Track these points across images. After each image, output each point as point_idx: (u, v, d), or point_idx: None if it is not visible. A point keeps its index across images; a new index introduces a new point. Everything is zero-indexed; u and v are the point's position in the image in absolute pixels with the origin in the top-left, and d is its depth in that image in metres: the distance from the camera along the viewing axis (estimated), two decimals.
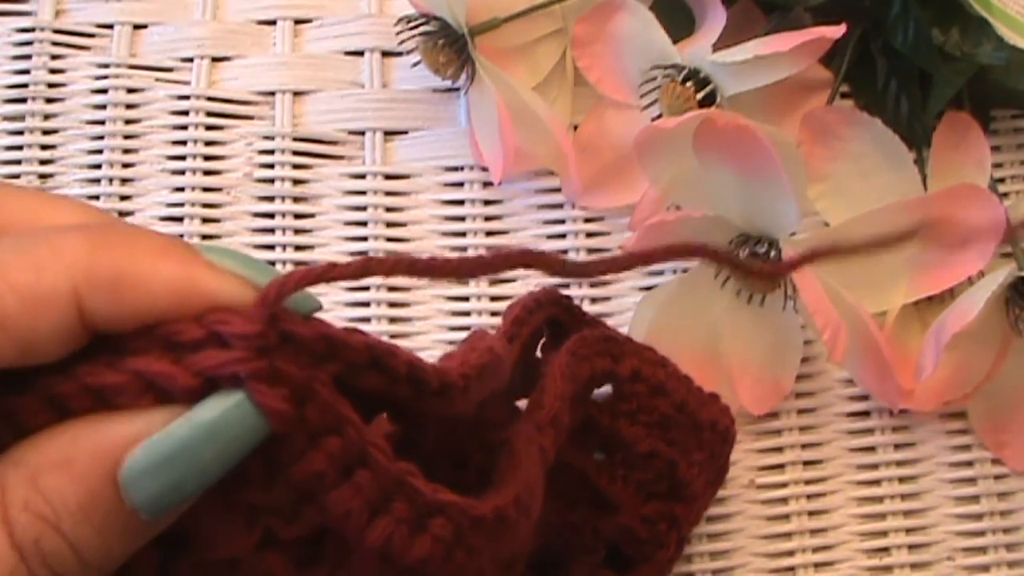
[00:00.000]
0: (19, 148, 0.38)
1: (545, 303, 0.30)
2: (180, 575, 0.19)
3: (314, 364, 0.18)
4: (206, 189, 0.38)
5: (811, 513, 0.36)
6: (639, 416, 0.30)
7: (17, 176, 0.38)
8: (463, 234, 0.38)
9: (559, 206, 0.39)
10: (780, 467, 0.36)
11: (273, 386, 0.17)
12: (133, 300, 0.17)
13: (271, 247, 0.37)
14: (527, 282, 0.38)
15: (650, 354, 0.31)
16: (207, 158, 0.38)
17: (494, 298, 0.37)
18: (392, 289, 0.37)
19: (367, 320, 0.37)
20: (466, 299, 0.37)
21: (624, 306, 0.37)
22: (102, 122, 0.38)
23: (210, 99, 0.39)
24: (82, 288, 0.17)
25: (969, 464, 0.37)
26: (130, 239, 0.18)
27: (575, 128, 0.39)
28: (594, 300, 0.37)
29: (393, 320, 0.37)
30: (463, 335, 0.37)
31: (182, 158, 0.38)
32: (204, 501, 0.18)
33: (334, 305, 0.37)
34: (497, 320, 0.37)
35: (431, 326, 0.37)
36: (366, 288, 0.37)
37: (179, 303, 0.18)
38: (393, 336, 0.37)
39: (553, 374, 0.27)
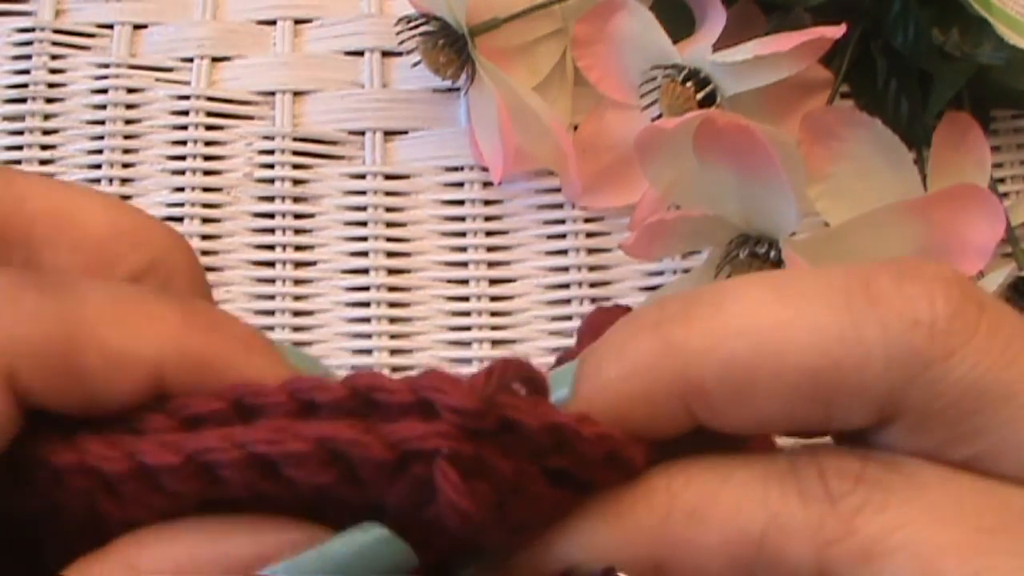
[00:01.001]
0: (19, 148, 0.38)
1: None
2: None
3: (533, 459, 0.16)
4: (206, 189, 0.38)
5: None
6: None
7: None
8: (463, 234, 0.38)
9: (559, 206, 0.39)
10: None
11: (470, 478, 0.15)
12: (215, 387, 0.17)
13: (271, 247, 0.37)
14: (527, 282, 0.38)
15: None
16: (207, 158, 0.38)
17: (494, 298, 0.37)
18: (392, 289, 0.37)
19: (367, 320, 0.37)
20: (466, 299, 0.37)
21: None
22: (102, 122, 0.38)
23: (210, 99, 0.39)
24: (169, 364, 0.17)
25: None
26: (222, 325, 0.17)
27: (575, 128, 0.39)
28: (594, 300, 0.37)
29: (393, 320, 0.37)
30: (463, 335, 0.37)
31: (182, 158, 0.38)
32: None
33: (334, 306, 0.37)
34: (497, 320, 0.37)
35: (431, 326, 0.37)
36: (366, 288, 0.37)
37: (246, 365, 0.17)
38: (393, 336, 0.37)
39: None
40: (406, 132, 0.39)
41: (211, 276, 0.37)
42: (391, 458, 0.15)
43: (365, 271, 0.37)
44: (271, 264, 0.37)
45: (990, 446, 0.16)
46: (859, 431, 0.17)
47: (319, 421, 0.16)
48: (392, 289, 0.37)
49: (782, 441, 0.19)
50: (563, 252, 0.38)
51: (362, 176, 0.38)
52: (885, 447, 0.17)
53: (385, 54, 0.40)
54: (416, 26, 0.37)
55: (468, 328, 0.37)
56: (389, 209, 0.38)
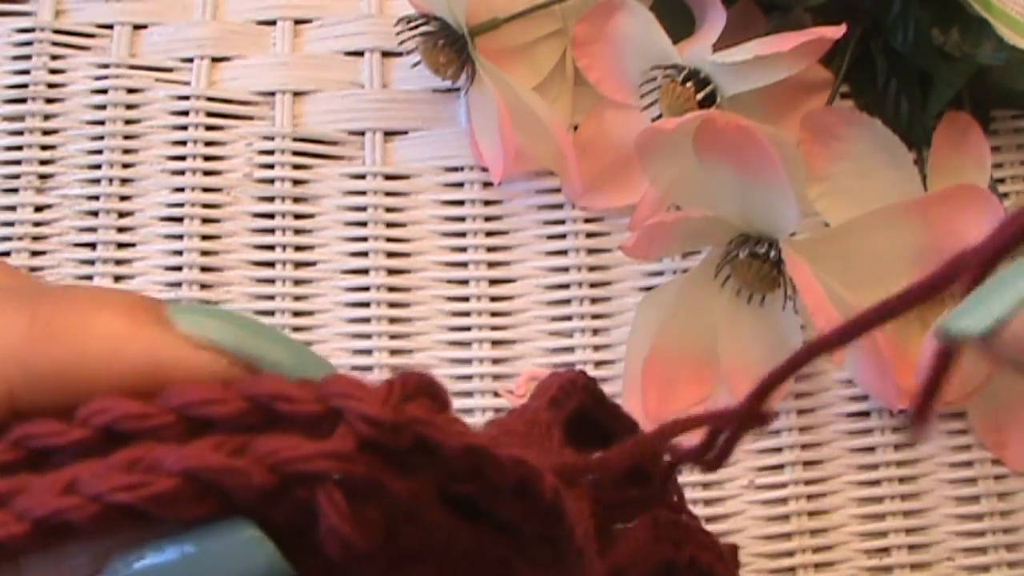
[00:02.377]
0: (19, 148, 0.38)
1: (579, 388, 0.27)
2: None
3: (438, 483, 0.15)
4: (206, 189, 0.38)
5: (811, 513, 0.36)
6: None
7: (17, 176, 0.38)
8: (463, 234, 0.38)
9: (559, 206, 0.39)
10: (780, 467, 0.36)
11: (359, 502, 0.14)
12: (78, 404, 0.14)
13: (271, 247, 0.37)
14: (527, 282, 0.38)
15: (703, 538, 0.30)
16: (207, 158, 0.38)
17: (494, 298, 0.37)
18: (392, 290, 0.37)
19: (367, 320, 0.37)
20: (466, 299, 0.37)
21: (625, 306, 0.37)
22: (102, 122, 0.38)
23: (210, 99, 0.39)
24: (15, 385, 0.14)
25: (969, 464, 0.37)
26: (83, 326, 0.15)
27: (575, 128, 0.39)
28: (594, 300, 0.37)
29: (393, 320, 0.37)
30: (463, 335, 0.37)
31: (182, 158, 0.38)
32: None
33: (334, 306, 0.37)
34: (497, 320, 0.37)
35: (431, 326, 0.37)
36: (366, 289, 0.37)
37: (114, 367, 0.14)
38: (393, 336, 0.37)
39: (635, 536, 0.25)
40: (406, 132, 0.39)
41: (211, 276, 0.37)
42: (273, 483, 0.13)
43: (365, 271, 0.37)
44: (271, 264, 0.37)
45: None
46: None
47: (187, 445, 0.14)
48: (392, 289, 0.37)
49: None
50: (563, 252, 0.38)
51: (362, 176, 0.38)
52: None
53: (385, 54, 0.40)
54: (416, 26, 0.37)
55: (468, 328, 0.37)
56: (389, 209, 0.38)
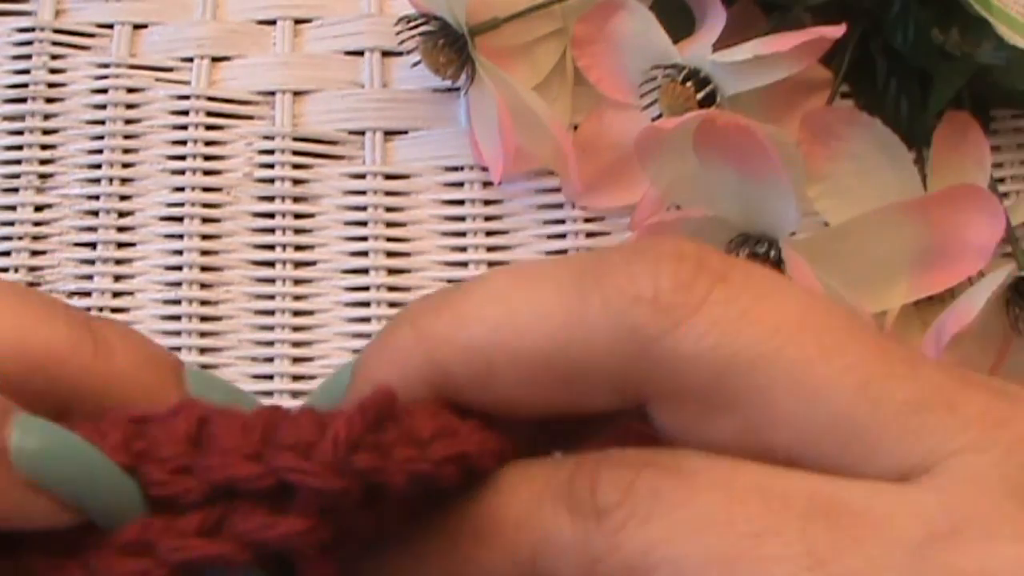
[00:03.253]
0: (19, 148, 0.38)
1: None
2: None
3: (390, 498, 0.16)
4: (206, 189, 0.38)
5: None
6: None
7: (17, 176, 0.38)
8: (463, 234, 0.38)
9: (559, 206, 0.39)
10: None
11: (331, 550, 0.16)
12: None
13: (271, 247, 0.37)
14: None
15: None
16: (207, 158, 0.38)
17: None
18: (392, 289, 0.37)
19: (367, 320, 0.37)
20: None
21: None
22: (102, 122, 0.38)
23: (210, 99, 0.39)
24: None
25: None
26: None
27: (575, 128, 0.39)
28: None
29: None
30: None
31: (182, 158, 0.38)
32: None
33: (334, 306, 0.37)
34: None
35: None
36: (366, 288, 0.37)
37: None
38: None
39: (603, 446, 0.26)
40: (406, 132, 0.39)
41: (211, 276, 0.37)
42: (249, 557, 0.15)
43: (365, 271, 0.37)
44: (271, 264, 0.37)
45: (753, 417, 0.16)
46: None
47: (173, 527, 0.15)
48: (392, 289, 0.37)
49: None
50: (563, 252, 0.38)
51: (362, 176, 0.38)
52: (661, 432, 0.17)
53: (385, 54, 0.40)
54: (416, 26, 0.37)
55: None
56: (389, 209, 0.38)
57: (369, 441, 0.16)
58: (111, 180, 0.38)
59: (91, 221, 0.37)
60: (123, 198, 0.38)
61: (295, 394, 0.35)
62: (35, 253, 0.37)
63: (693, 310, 0.16)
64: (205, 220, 0.37)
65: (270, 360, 0.36)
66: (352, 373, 0.18)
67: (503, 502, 0.16)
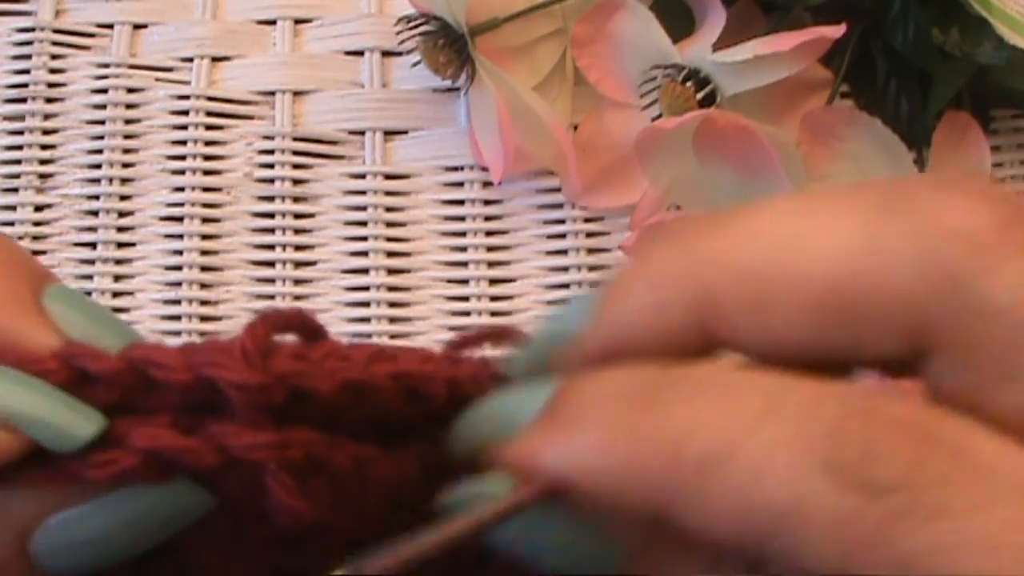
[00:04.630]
0: (19, 148, 0.38)
1: None
2: (159, 571, 0.18)
3: (334, 419, 0.16)
4: (206, 189, 0.38)
5: None
6: None
7: (17, 176, 0.38)
8: (463, 234, 0.38)
9: (559, 206, 0.39)
10: None
11: (306, 475, 0.15)
12: None
13: (271, 247, 0.37)
14: (527, 282, 0.38)
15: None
16: (207, 158, 0.38)
17: (494, 298, 0.37)
18: (392, 289, 0.37)
19: (367, 320, 0.37)
20: (466, 299, 0.37)
21: None
22: (102, 122, 0.38)
23: (210, 99, 0.39)
24: None
25: None
26: None
27: (575, 128, 0.39)
28: None
29: (393, 320, 0.37)
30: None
31: (182, 158, 0.38)
32: (201, 537, 0.16)
33: (334, 305, 0.37)
34: (498, 320, 0.37)
35: (431, 326, 0.37)
36: (366, 288, 0.37)
37: None
38: (393, 336, 0.37)
39: None
40: (406, 132, 0.39)
41: (211, 276, 0.37)
42: (221, 462, 0.15)
43: (365, 271, 0.37)
44: (271, 264, 0.37)
45: None
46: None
47: (140, 425, 0.15)
48: (392, 289, 0.37)
49: None
50: (563, 252, 0.38)
51: (362, 176, 0.38)
52: (934, 390, 0.14)
53: (385, 54, 0.40)
54: (416, 26, 0.37)
55: (468, 328, 0.37)
56: (389, 209, 0.38)
57: (288, 350, 0.15)
58: (111, 180, 0.38)
59: (91, 221, 0.37)
60: (123, 198, 0.38)
61: None
62: (35, 253, 0.37)
63: (1014, 254, 0.13)
64: (205, 220, 0.37)
65: None
66: (600, 297, 0.16)
67: (740, 435, 0.13)
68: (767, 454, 0.13)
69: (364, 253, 0.37)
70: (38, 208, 0.37)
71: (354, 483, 0.16)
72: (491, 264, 0.38)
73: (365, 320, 0.37)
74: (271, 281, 0.37)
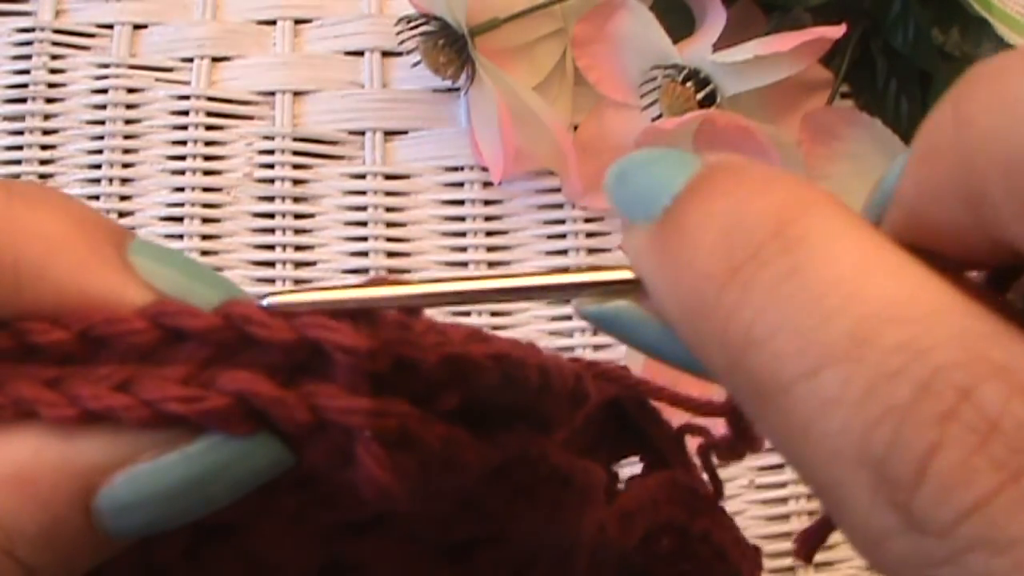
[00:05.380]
0: (19, 148, 0.38)
1: (618, 382, 0.26)
2: (212, 558, 0.17)
3: (426, 396, 0.15)
4: (206, 189, 0.38)
5: (811, 513, 0.36)
6: None
7: (17, 176, 0.38)
8: (463, 234, 0.38)
9: (559, 206, 0.39)
10: (780, 467, 0.36)
11: (395, 450, 0.14)
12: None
13: (271, 247, 0.37)
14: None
15: (723, 518, 0.29)
16: (207, 158, 0.38)
17: None
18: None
19: None
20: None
21: None
22: (102, 122, 0.38)
23: (210, 99, 0.39)
24: None
25: None
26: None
27: (575, 128, 0.39)
28: None
29: None
30: None
31: (182, 158, 0.38)
32: (264, 516, 0.16)
33: None
34: (497, 320, 0.37)
35: None
36: None
37: (70, 300, 0.14)
38: None
39: (647, 485, 0.25)
40: (406, 132, 0.39)
41: None
42: (312, 421, 0.14)
43: (365, 271, 0.37)
44: (271, 264, 0.37)
45: None
46: None
47: (230, 369, 0.14)
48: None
49: None
50: (563, 252, 0.38)
51: (362, 176, 0.38)
52: None
53: (385, 54, 0.40)
54: (416, 26, 0.37)
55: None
56: (389, 209, 0.38)
57: (391, 319, 0.15)
58: (111, 180, 0.38)
59: None
60: (123, 198, 0.38)
61: None
62: None
63: None
64: (205, 220, 0.37)
65: None
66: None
67: (801, 373, 0.12)
68: (819, 409, 0.12)
69: (364, 253, 0.37)
70: None
71: (439, 465, 0.15)
72: (491, 264, 0.38)
73: None
74: (271, 281, 0.37)
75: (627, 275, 0.15)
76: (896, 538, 0.11)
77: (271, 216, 0.38)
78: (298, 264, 0.37)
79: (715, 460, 0.26)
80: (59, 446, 0.14)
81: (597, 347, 0.37)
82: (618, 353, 0.37)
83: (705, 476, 0.27)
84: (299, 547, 0.17)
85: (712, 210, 0.14)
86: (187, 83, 0.39)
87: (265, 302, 0.14)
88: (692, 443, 0.27)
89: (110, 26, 0.40)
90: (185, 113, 0.39)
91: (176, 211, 0.37)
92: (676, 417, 0.25)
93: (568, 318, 0.37)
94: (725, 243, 0.13)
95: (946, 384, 0.11)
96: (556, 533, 0.21)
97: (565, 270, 0.38)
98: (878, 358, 0.11)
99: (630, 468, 0.28)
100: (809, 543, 0.19)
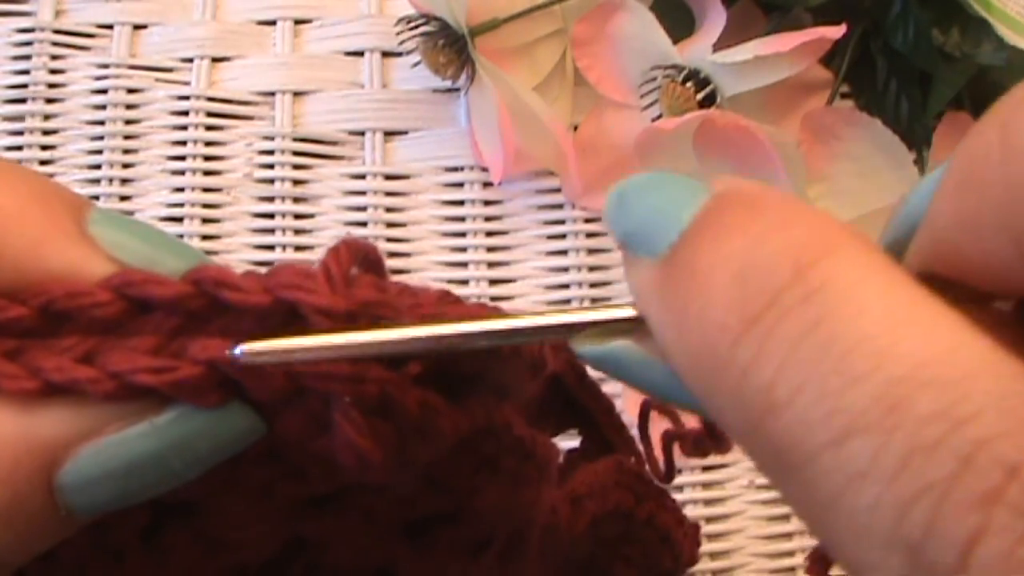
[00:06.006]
0: (19, 148, 0.38)
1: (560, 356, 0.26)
2: (171, 540, 0.17)
3: (401, 360, 0.14)
4: (206, 189, 0.38)
5: None
6: (638, 562, 0.28)
7: None
8: (463, 234, 0.38)
9: (559, 206, 0.39)
10: None
11: (373, 416, 0.14)
12: None
13: (271, 247, 0.37)
14: (527, 282, 0.38)
15: (667, 501, 0.29)
16: (207, 158, 0.38)
17: (494, 298, 0.37)
18: None
19: None
20: (466, 299, 0.37)
21: None
22: (102, 122, 0.38)
23: (210, 99, 0.39)
24: None
25: None
26: None
27: (575, 128, 0.39)
28: (594, 300, 0.37)
29: None
30: None
31: (182, 158, 0.38)
32: (228, 488, 0.15)
33: None
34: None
35: None
36: None
37: (28, 273, 0.14)
38: None
39: (596, 469, 0.26)
40: (406, 132, 0.39)
41: None
42: (289, 388, 0.14)
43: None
44: (271, 264, 0.37)
45: None
46: None
47: (202, 337, 0.14)
48: None
49: None
50: (563, 252, 0.38)
51: (362, 176, 0.38)
52: None
53: (385, 54, 0.40)
54: (416, 26, 0.37)
55: None
56: (389, 209, 0.38)
57: (367, 281, 0.15)
58: (111, 180, 0.38)
59: None
60: (123, 198, 0.38)
61: None
62: None
63: None
64: (205, 220, 0.37)
65: None
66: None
67: (817, 451, 0.11)
68: (848, 483, 0.11)
69: None
70: None
71: (415, 432, 0.15)
72: (491, 264, 0.38)
73: None
74: None
75: (629, 312, 0.14)
76: None
77: (271, 216, 0.38)
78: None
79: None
80: (20, 420, 0.13)
81: None
82: None
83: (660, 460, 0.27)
84: (261, 524, 0.17)
85: (724, 251, 0.12)
86: (187, 83, 0.39)
87: (238, 350, 0.14)
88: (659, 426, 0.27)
89: (110, 26, 0.40)
90: (185, 113, 0.39)
91: (176, 211, 0.37)
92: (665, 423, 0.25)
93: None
94: (739, 289, 0.12)
95: (990, 459, 0.10)
96: (513, 510, 0.21)
97: (565, 270, 0.38)
98: (912, 428, 0.10)
99: (568, 441, 0.28)
100: (820, 561, 0.18)
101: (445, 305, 0.15)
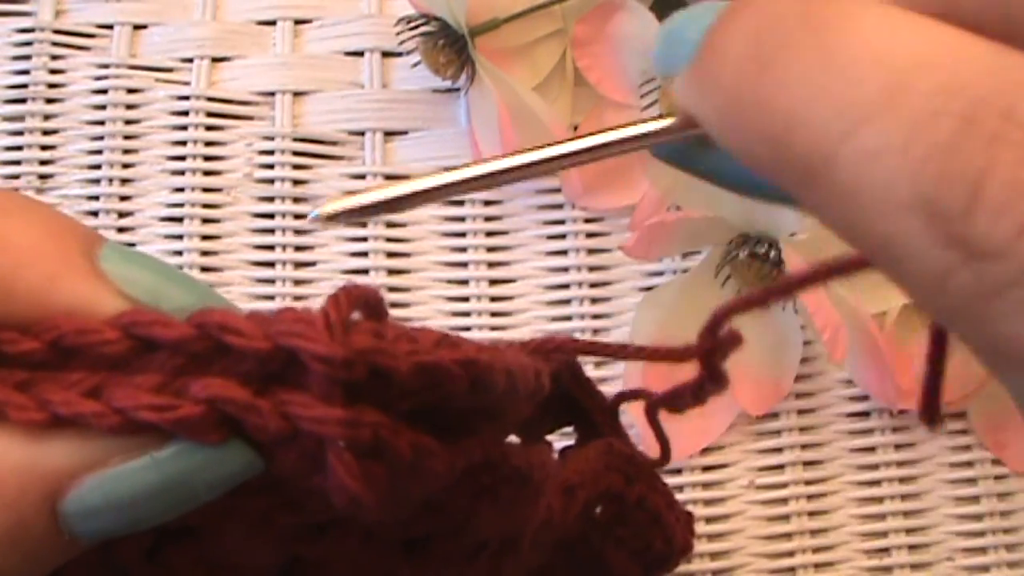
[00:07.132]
0: (19, 148, 0.38)
1: (560, 352, 0.27)
2: (174, 560, 0.17)
3: (395, 404, 0.15)
4: (206, 189, 0.38)
5: (811, 513, 0.36)
6: (629, 544, 0.28)
7: (17, 176, 0.38)
8: (463, 235, 0.38)
9: (559, 206, 0.39)
10: (780, 467, 0.36)
11: (365, 458, 0.14)
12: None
13: (271, 247, 0.37)
14: (527, 282, 0.38)
15: (657, 483, 0.30)
16: (207, 158, 0.38)
17: (494, 298, 0.37)
18: (392, 290, 0.37)
19: None
20: (466, 299, 0.37)
21: (624, 306, 0.37)
22: (102, 122, 0.38)
23: (210, 99, 0.39)
24: None
25: (969, 464, 0.37)
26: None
27: (575, 128, 0.39)
28: (594, 300, 0.37)
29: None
30: (464, 335, 0.37)
31: (182, 158, 0.38)
32: (228, 517, 0.16)
33: None
34: (497, 320, 0.37)
35: (431, 326, 0.37)
36: None
37: (40, 309, 0.14)
38: None
39: (587, 455, 0.26)
40: (406, 132, 0.39)
41: (211, 276, 0.37)
42: (285, 430, 0.14)
43: (365, 271, 0.37)
44: (271, 264, 0.37)
45: None
46: None
47: (204, 377, 0.14)
48: (392, 289, 0.37)
49: None
50: (563, 252, 0.38)
51: (362, 176, 0.38)
52: None
53: (385, 54, 0.40)
54: (416, 26, 0.37)
55: (468, 328, 0.37)
56: None
57: (366, 327, 0.15)
58: (111, 180, 0.38)
59: (91, 221, 0.37)
60: (123, 198, 0.38)
61: None
62: None
63: None
64: (205, 220, 0.37)
65: None
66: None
67: (840, 141, 0.12)
68: (865, 165, 0.12)
69: (364, 253, 0.37)
70: None
71: (408, 473, 0.15)
72: (491, 264, 0.38)
73: None
74: (271, 281, 0.37)
75: (667, 123, 0.16)
76: (957, 273, 0.11)
77: (271, 216, 0.38)
78: (298, 264, 0.37)
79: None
80: (27, 449, 0.14)
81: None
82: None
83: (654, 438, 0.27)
84: (261, 548, 0.17)
85: (739, 23, 0.14)
86: (187, 83, 0.39)
87: (312, 214, 0.15)
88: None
89: (110, 26, 0.40)
90: (185, 113, 0.39)
91: (176, 211, 0.37)
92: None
93: (568, 318, 0.37)
94: (755, 44, 0.13)
95: (988, 112, 0.11)
96: (510, 523, 0.21)
97: (565, 270, 0.38)
98: (915, 103, 0.11)
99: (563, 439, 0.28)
100: (930, 404, 0.19)
101: (443, 347, 0.16)
